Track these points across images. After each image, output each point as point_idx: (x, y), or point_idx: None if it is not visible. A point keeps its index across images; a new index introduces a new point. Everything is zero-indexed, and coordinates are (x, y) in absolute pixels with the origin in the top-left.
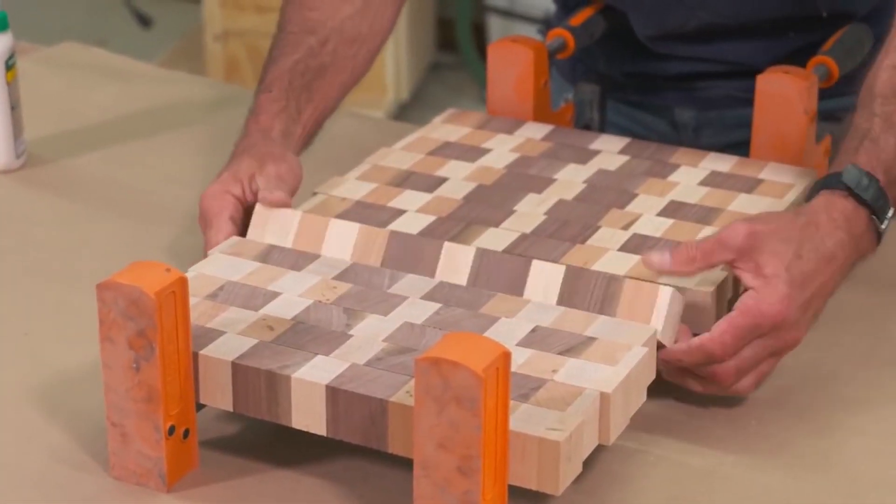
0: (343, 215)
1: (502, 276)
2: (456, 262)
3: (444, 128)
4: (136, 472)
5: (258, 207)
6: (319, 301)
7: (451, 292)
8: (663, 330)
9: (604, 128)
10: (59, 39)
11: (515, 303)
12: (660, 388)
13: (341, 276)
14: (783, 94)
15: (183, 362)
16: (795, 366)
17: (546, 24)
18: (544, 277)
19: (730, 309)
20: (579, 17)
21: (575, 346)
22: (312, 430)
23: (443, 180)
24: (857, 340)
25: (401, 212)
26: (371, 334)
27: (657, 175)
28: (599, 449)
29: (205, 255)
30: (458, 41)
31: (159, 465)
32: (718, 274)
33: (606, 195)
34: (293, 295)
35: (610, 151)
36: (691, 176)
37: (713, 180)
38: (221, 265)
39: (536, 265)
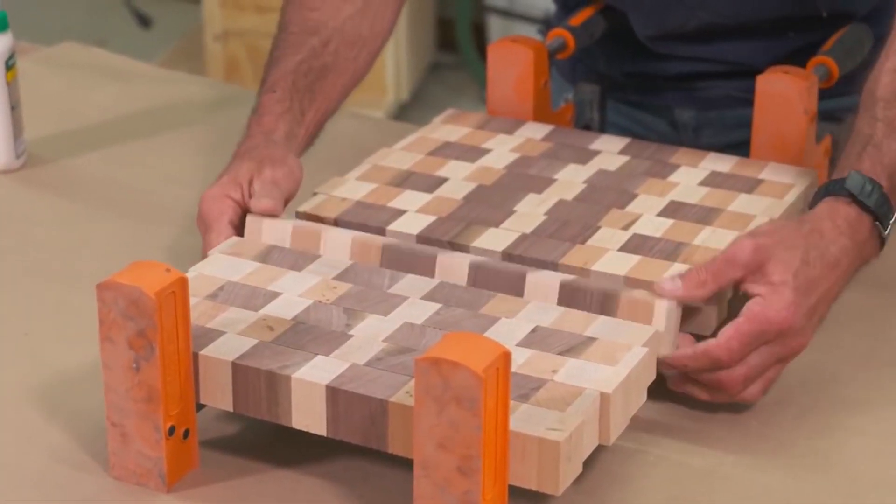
0: (343, 215)
1: (498, 290)
2: (451, 276)
3: (444, 128)
4: (136, 472)
5: (249, 217)
6: (319, 301)
7: (451, 292)
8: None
9: (604, 128)
10: (59, 39)
11: (515, 303)
12: (660, 389)
13: (341, 277)
14: (783, 94)
15: (183, 362)
16: (795, 367)
17: (546, 24)
18: (540, 293)
19: (729, 308)
20: (579, 17)
21: (575, 347)
22: (312, 430)
23: (443, 180)
24: (857, 341)
25: (401, 212)
26: (371, 334)
27: (657, 175)
28: (599, 449)
29: (204, 258)
30: (458, 41)
31: (159, 465)
32: None
33: (606, 195)
34: (293, 295)
35: (610, 151)
36: (691, 176)
37: (713, 180)
38: (221, 265)
39: (531, 280)
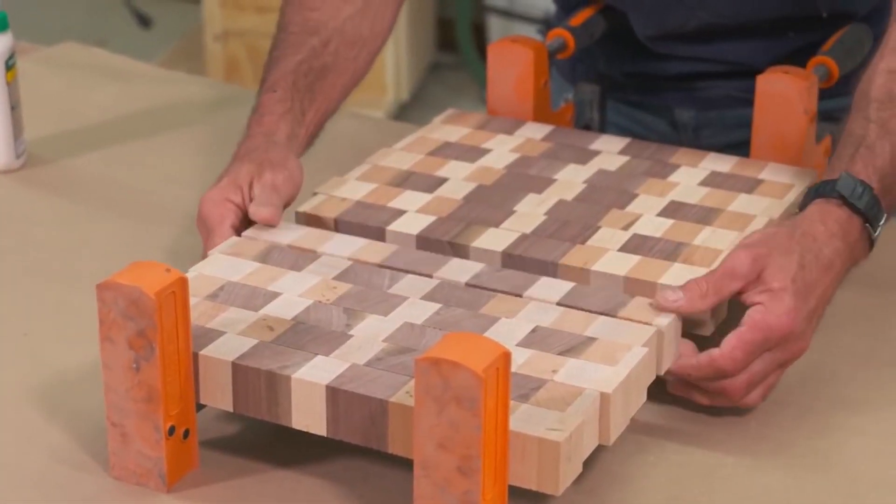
0: (343, 215)
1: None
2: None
3: (444, 128)
4: (136, 472)
5: (247, 232)
6: (319, 301)
7: (451, 292)
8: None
9: (604, 128)
10: (59, 39)
11: (515, 303)
12: (660, 389)
13: (341, 277)
14: (783, 94)
15: (183, 362)
16: (795, 367)
17: (546, 24)
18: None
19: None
20: (579, 17)
21: (575, 347)
22: (312, 431)
23: (443, 180)
24: (856, 341)
25: (401, 212)
26: (371, 334)
27: (657, 175)
28: (599, 449)
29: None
30: (458, 41)
31: (159, 465)
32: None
33: (606, 195)
34: (293, 295)
35: (610, 151)
36: (691, 176)
37: (713, 180)
38: (221, 265)
39: (529, 295)
